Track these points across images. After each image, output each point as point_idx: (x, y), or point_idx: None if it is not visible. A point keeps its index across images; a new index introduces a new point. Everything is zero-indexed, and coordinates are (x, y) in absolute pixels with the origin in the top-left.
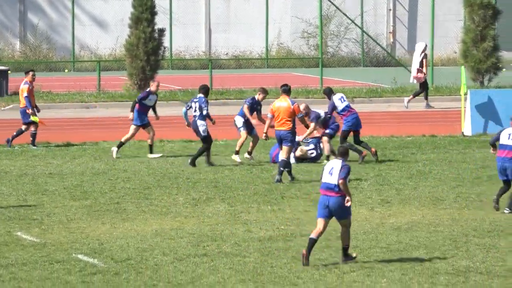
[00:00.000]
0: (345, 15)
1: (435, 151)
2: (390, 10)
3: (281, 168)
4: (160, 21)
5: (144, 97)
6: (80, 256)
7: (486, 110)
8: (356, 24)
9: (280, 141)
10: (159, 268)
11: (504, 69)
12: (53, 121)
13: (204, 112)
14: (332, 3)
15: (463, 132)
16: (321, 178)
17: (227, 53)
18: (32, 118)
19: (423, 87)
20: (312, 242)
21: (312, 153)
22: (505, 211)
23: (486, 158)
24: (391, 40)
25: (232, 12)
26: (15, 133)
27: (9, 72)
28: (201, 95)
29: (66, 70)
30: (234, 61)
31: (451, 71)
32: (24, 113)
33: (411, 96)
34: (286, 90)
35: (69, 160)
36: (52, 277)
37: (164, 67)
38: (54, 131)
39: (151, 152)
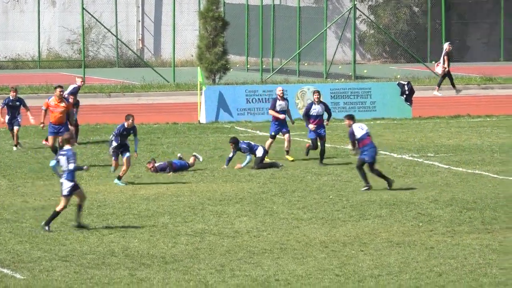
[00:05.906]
0: (103, 25)
1: (177, 135)
2: (139, 21)
3: None
4: None
5: None
6: None
7: (218, 103)
8: (111, 33)
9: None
10: None
11: (231, 69)
12: None
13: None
14: (92, 15)
15: (199, 120)
16: None
17: (6, 56)
18: None
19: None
20: None
21: None
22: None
23: (218, 141)
24: (141, 45)
25: (10, 22)
26: None
27: None
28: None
29: None
30: (12, 63)
31: (189, 71)
32: None
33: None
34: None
35: None
36: None
37: None
38: None
39: None
